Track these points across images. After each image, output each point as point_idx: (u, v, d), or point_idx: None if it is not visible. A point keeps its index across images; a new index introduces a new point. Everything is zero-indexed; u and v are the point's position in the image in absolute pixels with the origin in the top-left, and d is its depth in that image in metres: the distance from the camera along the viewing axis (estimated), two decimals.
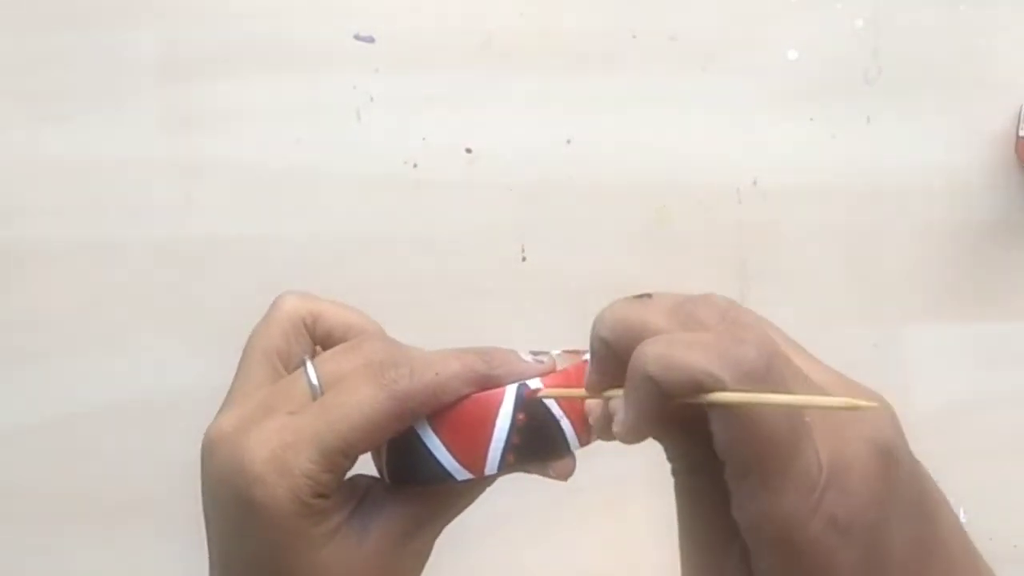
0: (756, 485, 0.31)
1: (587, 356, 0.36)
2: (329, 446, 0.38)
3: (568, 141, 0.66)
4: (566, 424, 0.39)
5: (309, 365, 0.40)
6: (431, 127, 0.66)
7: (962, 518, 0.64)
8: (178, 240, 0.65)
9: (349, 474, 0.40)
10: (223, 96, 0.65)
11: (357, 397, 0.38)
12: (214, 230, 0.65)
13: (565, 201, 0.66)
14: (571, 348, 0.41)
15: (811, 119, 0.67)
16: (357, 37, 0.66)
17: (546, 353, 0.41)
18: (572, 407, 0.39)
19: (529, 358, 0.40)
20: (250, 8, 0.66)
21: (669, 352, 0.31)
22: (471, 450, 0.39)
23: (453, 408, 0.39)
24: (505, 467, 0.39)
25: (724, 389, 0.30)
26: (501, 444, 0.39)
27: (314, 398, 0.40)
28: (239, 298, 0.65)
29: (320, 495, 0.38)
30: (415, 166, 0.66)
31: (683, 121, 0.67)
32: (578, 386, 0.38)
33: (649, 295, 0.36)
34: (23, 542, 0.64)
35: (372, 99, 0.66)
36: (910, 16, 0.68)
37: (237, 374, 0.43)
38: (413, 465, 0.40)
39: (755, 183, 0.67)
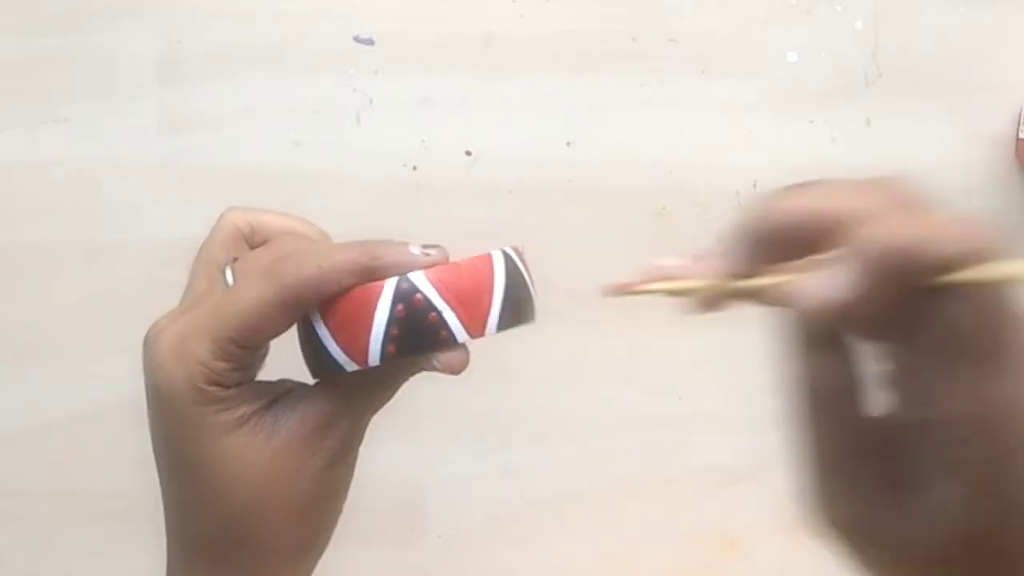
0: (993, 370, 0.31)
1: (493, 252, 0.40)
2: (220, 335, 0.40)
3: (568, 143, 0.66)
4: (450, 315, 0.40)
5: (227, 268, 0.43)
6: (431, 129, 0.66)
7: None
8: (177, 241, 0.65)
9: (265, 375, 0.43)
10: (223, 98, 0.65)
11: (248, 290, 0.40)
12: None
13: (565, 203, 0.66)
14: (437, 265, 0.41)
15: (811, 121, 0.67)
16: (357, 39, 0.66)
17: (437, 246, 0.41)
18: (458, 297, 0.40)
19: (418, 251, 0.41)
20: (250, 10, 0.66)
21: (907, 233, 0.31)
22: (354, 341, 0.40)
23: (339, 300, 0.40)
24: (387, 358, 0.40)
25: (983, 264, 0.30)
26: (380, 335, 0.39)
27: None
28: None
29: (215, 383, 0.40)
30: (415, 168, 0.66)
31: (683, 123, 0.67)
32: (471, 282, 0.40)
33: (797, 185, 0.35)
34: (23, 543, 0.64)
35: (372, 101, 0.66)
36: (910, 18, 0.68)
37: (185, 288, 0.46)
38: (314, 357, 0.41)
39: (755, 185, 0.67)
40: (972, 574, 0.33)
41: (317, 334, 0.41)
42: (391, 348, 0.40)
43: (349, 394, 0.42)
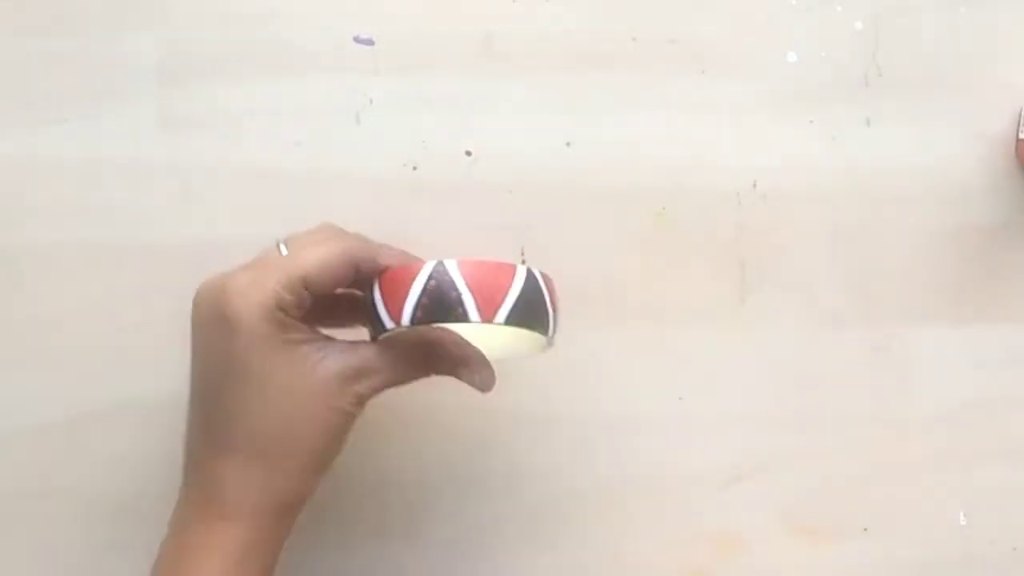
0: None
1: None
2: (293, 274, 0.50)
3: (568, 144, 0.66)
4: (467, 297, 0.50)
5: (280, 243, 0.54)
6: (431, 129, 0.66)
7: (961, 521, 0.64)
8: (177, 242, 0.65)
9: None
10: (222, 98, 0.65)
11: (317, 246, 0.52)
12: (213, 232, 0.65)
13: (565, 204, 0.66)
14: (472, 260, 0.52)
15: (811, 121, 0.68)
16: (357, 39, 0.66)
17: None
18: (478, 285, 0.50)
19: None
20: (249, 10, 0.66)
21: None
22: (395, 304, 0.51)
23: (391, 273, 0.52)
24: (416, 320, 0.51)
25: None
26: (414, 301, 0.51)
27: None
28: None
29: (283, 311, 0.50)
30: (415, 168, 0.66)
31: (682, 124, 0.67)
32: (491, 277, 0.51)
33: None
34: (24, 544, 0.64)
35: (372, 101, 0.66)
36: (910, 18, 0.68)
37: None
38: (370, 316, 0.53)
39: (755, 185, 0.67)
40: None
41: (372, 298, 0.52)
42: (419, 313, 0.51)
43: (390, 356, 0.52)
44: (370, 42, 0.66)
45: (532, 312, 0.52)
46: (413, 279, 0.51)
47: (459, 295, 0.50)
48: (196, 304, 0.52)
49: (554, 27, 0.67)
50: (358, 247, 0.52)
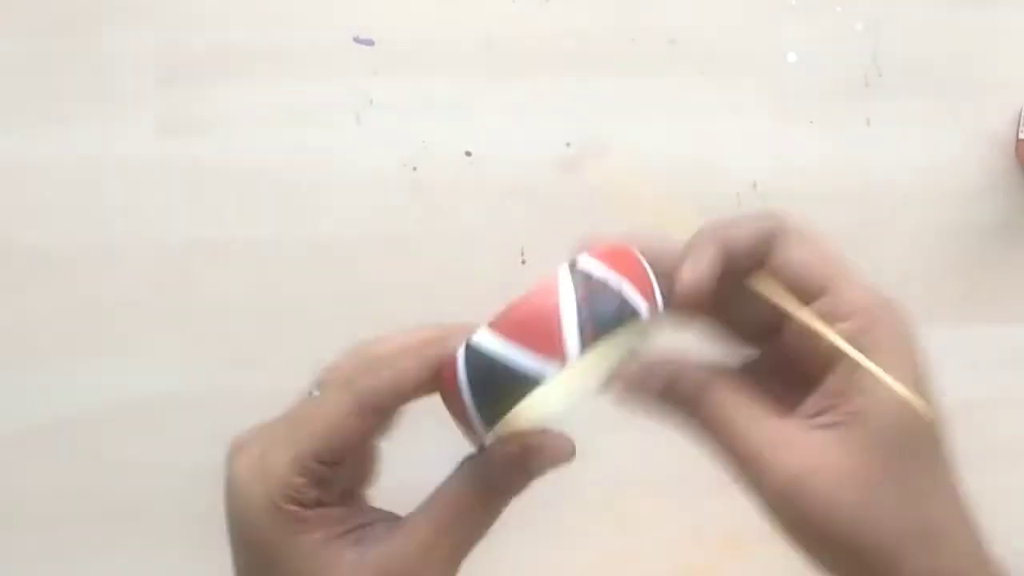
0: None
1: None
2: (299, 449, 0.38)
3: (567, 144, 0.66)
4: (627, 287, 0.38)
5: (315, 383, 0.40)
6: (431, 130, 0.66)
7: None
8: (177, 243, 0.65)
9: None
10: (222, 99, 0.65)
11: (326, 402, 0.39)
12: (213, 233, 0.65)
13: (564, 204, 0.66)
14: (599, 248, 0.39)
15: (811, 122, 0.67)
16: (357, 40, 0.66)
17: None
18: (625, 271, 0.38)
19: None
20: (249, 11, 0.66)
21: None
22: (545, 340, 0.37)
23: (512, 312, 0.37)
24: (587, 342, 0.37)
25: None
26: (574, 323, 0.37)
27: None
28: (238, 301, 0.65)
29: (295, 501, 0.38)
30: (414, 169, 0.66)
31: (682, 124, 0.67)
32: (627, 260, 0.39)
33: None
34: (21, 547, 0.64)
35: (371, 102, 0.66)
36: (910, 19, 0.68)
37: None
38: (493, 383, 0.38)
39: (755, 186, 0.67)
40: None
41: (493, 358, 0.37)
42: (588, 333, 0.37)
43: (444, 525, 0.40)
44: (370, 42, 0.66)
45: (663, 291, 0.39)
46: (556, 298, 0.37)
47: (619, 288, 0.38)
48: (225, 479, 0.41)
49: (554, 28, 0.67)
50: (376, 387, 0.39)
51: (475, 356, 0.37)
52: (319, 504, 0.39)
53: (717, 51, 0.67)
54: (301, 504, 0.38)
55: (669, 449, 0.67)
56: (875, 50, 0.68)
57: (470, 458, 0.40)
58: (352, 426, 0.38)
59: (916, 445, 0.39)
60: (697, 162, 0.67)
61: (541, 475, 0.41)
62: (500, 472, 0.40)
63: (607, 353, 0.39)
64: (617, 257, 0.38)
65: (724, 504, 0.67)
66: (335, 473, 0.39)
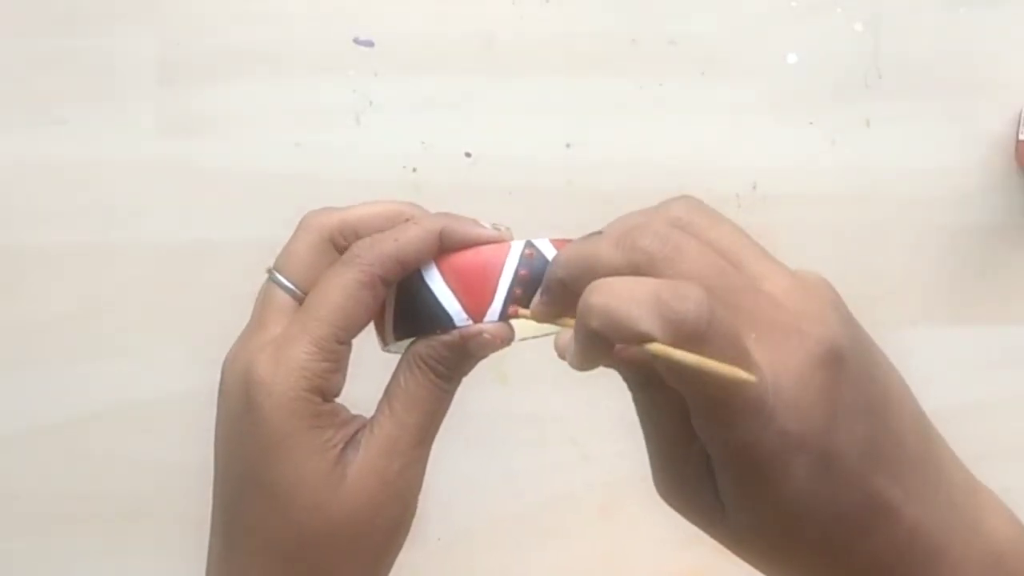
0: (707, 417, 0.33)
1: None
2: (318, 334, 0.39)
3: (567, 145, 0.66)
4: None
5: (274, 272, 0.43)
6: (431, 131, 0.66)
7: None
8: (177, 244, 0.65)
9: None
10: (222, 99, 0.65)
11: (332, 282, 0.40)
12: (213, 234, 0.65)
13: (564, 205, 0.66)
14: (559, 237, 0.43)
15: (811, 123, 0.67)
16: (357, 41, 0.66)
17: (507, 228, 0.44)
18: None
19: (488, 226, 0.43)
20: (249, 12, 0.66)
21: (608, 306, 0.32)
22: (474, 297, 0.41)
23: (460, 257, 0.42)
24: (504, 317, 0.41)
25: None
26: (504, 291, 0.41)
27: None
28: (239, 302, 0.65)
29: (318, 390, 0.40)
30: (415, 170, 0.66)
31: (682, 125, 0.67)
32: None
33: (600, 232, 0.38)
34: (22, 547, 0.64)
35: (372, 103, 0.66)
36: (910, 20, 0.68)
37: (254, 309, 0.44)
38: (416, 313, 0.42)
39: (755, 187, 0.67)
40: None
41: (431, 290, 0.41)
42: (512, 305, 0.41)
43: (407, 421, 0.42)
44: (370, 44, 0.66)
45: None
46: (502, 266, 0.41)
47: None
48: (222, 392, 0.42)
49: (554, 29, 0.67)
50: (380, 258, 0.41)
51: (413, 282, 0.41)
52: (337, 395, 0.41)
53: (717, 52, 0.67)
54: (323, 393, 0.40)
55: None
56: (875, 50, 0.68)
57: (411, 348, 0.42)
58: (364, 299, 0.40)
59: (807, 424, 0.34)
60: (697, 162, 0.67)
61: (483, 358, 0.42)
62: (443, 359, 0.42)
63: (524, 328, 0.42)
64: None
65: None
66: (349, 352, 0.41)
